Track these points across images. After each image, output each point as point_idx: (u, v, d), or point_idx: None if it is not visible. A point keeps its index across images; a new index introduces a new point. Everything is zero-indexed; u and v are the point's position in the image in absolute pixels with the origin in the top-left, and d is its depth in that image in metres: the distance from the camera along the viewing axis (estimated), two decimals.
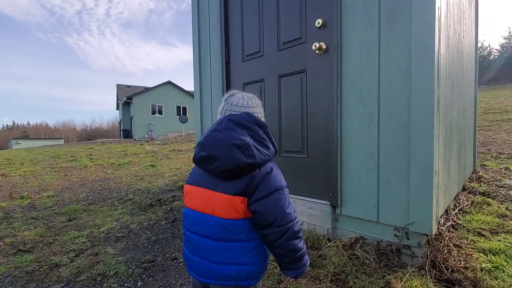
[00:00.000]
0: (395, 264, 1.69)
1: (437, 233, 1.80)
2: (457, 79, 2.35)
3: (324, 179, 2.04)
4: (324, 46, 1.94)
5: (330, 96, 1.93)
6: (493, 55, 47.68)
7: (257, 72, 2.48)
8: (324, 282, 1.58)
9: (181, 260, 1.97)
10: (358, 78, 1.80)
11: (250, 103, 0.99)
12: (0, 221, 2.93)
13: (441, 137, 1.73)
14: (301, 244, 0.90)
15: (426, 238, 1.67)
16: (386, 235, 1.77)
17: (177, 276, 1.77)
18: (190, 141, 11.66)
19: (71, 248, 2.20)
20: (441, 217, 1.99)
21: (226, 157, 0.81)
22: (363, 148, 1.80)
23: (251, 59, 2.54)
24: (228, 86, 2.72)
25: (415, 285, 1.47)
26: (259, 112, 1.01)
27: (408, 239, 1.68)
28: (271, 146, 0.91)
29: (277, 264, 1.78)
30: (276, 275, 1.68)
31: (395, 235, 1.73)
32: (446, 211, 2.21)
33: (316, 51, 1.97)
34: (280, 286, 1.60)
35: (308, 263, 0.95)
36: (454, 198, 2.54)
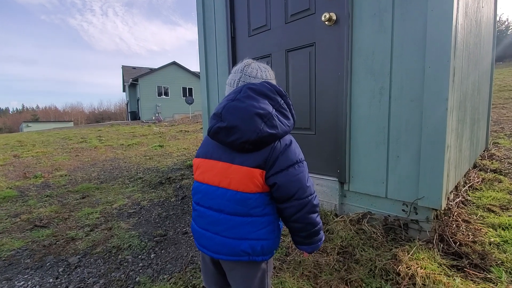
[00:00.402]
0: (402, 238, 1.70)
1: (446, 208, 1.79)
2: (474, 51, 2.24)
3: (332, 155, 2.03)
4: (334, 17, 1.86)
5: (340, 70, 1.87)
6: (511, 30, 45.25)
7: (264, 47, 2.41)
8: (331, 254, 1.61)
9: (192, 234, 2.03)
10: (370, 50, 1.73)
11: (268, 75, 0.94)
12: (16, 199, 3.04)
13: (455, 111, 1.68)
14: (318, 218, 0.88)
15: (435, 213, 1.67)
16: (394, 210, 1.78)
17: (188, 249, 1.83)
18: (197, 122, 11.67)
19: (85, 223, 2.28)
20: (450, 192, 1.97)
21: (248, 127, 0.76)
22: (373, 123, 1.77)
23: (258, 34, 2.46)
24: (234, 62, 2.66)
25: (422, 257, 1.48)
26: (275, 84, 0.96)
27: (417, 213, 1.68)
28: (291, 117, 0.87)
29: (284, 238, 1.82)
30: (284, 248, 1.72)
31: (403, 210, 1.73)
32: (456, 187, 2.19)
33: (326, 22, 1.89)
34: (288, 258, 1.64)
35: (323, 238, 0.93)
36: (465, 175, 2.51)
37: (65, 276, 1.62)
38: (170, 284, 1.48)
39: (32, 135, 10.23)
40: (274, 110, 0.82)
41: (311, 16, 2.02)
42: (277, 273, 1.51)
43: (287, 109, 0.87)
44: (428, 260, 1.48)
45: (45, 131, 12.74)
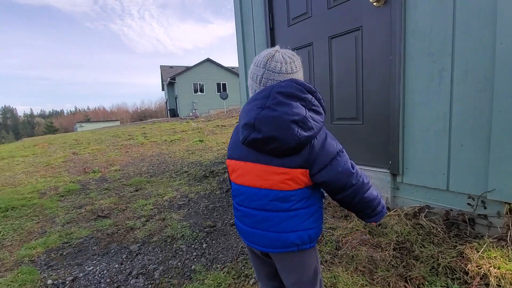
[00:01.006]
0: (468, 234, 1.56)
1: None
2: None
3: (382, 146, 1.91)
4: None
5: (391, 54, 1.74)
6: None
7: (305, 36, 2.34)
8: (387, 250, 1.54)
9: None
10: (427, 29, 1.58)
11: (294, 67, 0.87)
12: (79, 192, 3.38)
13: None
14: (374, 190, 0.90)
15: (508, 207, 1.49)
16: (457, 204, 1.63)
17: (237, 240, 1.88)
18: (232, 116, 11.87)
19: (141, 214, 2.46)
20: None
21: (286, 136, 0.75)
22: (431, 109, 1.62)
23: (298, 22, 2.38)
24: None
25: (495, 256, 1.34)
26: (301, 75, 0.90)
27: (485, 208, 1.52)
28: (322, 111, 0.84)
29: (333, 232, 1.78)
30: (334, 242, 1.68)
31: (469, 204, 1.57)
32: None
33: (374, 4, 1.76)
34: (339, 252, 1.60)
35: (384, 203, 0.95)
36: None
37: (128, 262, 1.76)
38: (223, 273, 1.53)
39: (86, 134, 11.28)
40: (307, 111, 0.79)
41: None
42: (329, 267, 1.48)
43: (319, 105, 0.83)
44: (501, 259, 1.33)
45: (97, 130, 13.97)
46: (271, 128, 0.75)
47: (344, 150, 0.86)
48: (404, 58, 1.70)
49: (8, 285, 1.61)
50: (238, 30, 3.11)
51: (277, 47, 0.88)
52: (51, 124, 67.97)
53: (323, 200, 0.95)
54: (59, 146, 7.78)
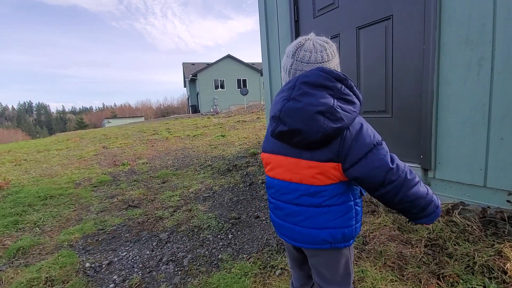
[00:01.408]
0: (506, 233, 1.47)
1: None
2: None
3: (413, 139, 1.85)
4: None
5: (425, 43, 1.67)
6: None
7: (331, 27, 2.29)
8: (417, 246, 1.49)
9: (264, 218, 2.10)
10: (465, 16, 1.49)
11: (325, 56, 0.81)
12: (110, 183, 3.57)
13: None
14: (423, 187, 0.78)
15: None
16: (495, 201, 1.54)
17: (262, 232, 1.91)
18: (252, 112, 11.91)
19: (169, 205, 2.56)
20: None
21: (311, 128, 0.72)
22: (469, 101, 1.54)
23: (324, 13, 2.34)
24: None
25: None
26: (335, 63, 0.84)
27: None
28: (356, 100, 0.78)
29: (361, 227, 1.75)
30: (361, 237, 1.66)
31: (508, 201, 1.49)
32: None
33: None
34: (366, 247, 1.57)
35: (439, 203, 0.82)
36: None
37: (158, 250, 1.85)
38: (250, 263, 1.57)
39: (113, 129, 11.82)
40: (335, 100, 0.74)
41: None
42: (356, 261, 1.46)
43: (350, 93, 0.77)
44: None
45: (123, 125, 14.58)
46: (295, 121, 0.73)
47: (383, 142, 0.78)
48: (439, 47, 1.62)
49: (49, 267, 1.74)
50: (261, 23, 3.10)
51: (310, 35, 0.83)
52: (81, 120, 71.82)
53: (362, 198, 0.88)
54: (90, 140, 8.22)
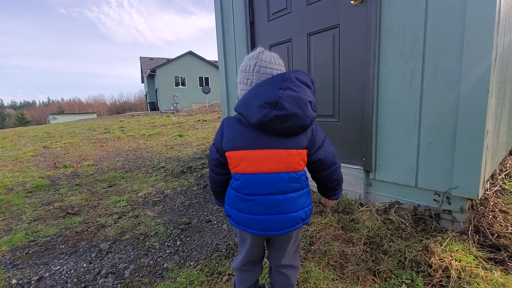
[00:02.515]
0: (433, 229, 1.63)
1: (482, 198, 1.69)
2: None
3: (357, 143, 1.95)
4: None
5: (366, 52, 1.77)
6: None
7: (284, 31, 2.32)
8: (357, 245, 1.58)
9: (215, 222, 2.05)
10: (400, 29, 1.61)
11: (281, 62, 1.01)
12: (48, 188, 3.21)
13: (494, 94, 1.54)
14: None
15: (470, 203, 1.57)
16: (425, 200, 1.70)
17: (212, 236, 1.86)
18: (214, 111, 11.73)
19: (114, 211, 2.37)
20: (487, 181, 1.85)
21: (305, 114, 0.85)
22: (403, 108, 1.67)
23: (277, 18, 2.36)
24: (253, 48, 2.59)
25: (456, 249, 1.41)
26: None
27: (450, 204, 1.60)
28: None
29: (308, 227, 1.80)
30: (308, 238, 1.70)
31: (435, 200, 1.65)
32: (492, 175, 2.05)
33: (352, 2, 1.77)
34: (312, 247, 1.62)
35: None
36: (501, 163, 2.35)
37: (97, 261, 1.69)
38: (196, 270, 1.51)
39: (59, 126, 10.73)
40: (313, 97, 0.92)
41: None
42: (302, 262, 1.49)
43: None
44: (463, 252, 1.41)
45: (71, 122, 13.32)
46: (293, 106, 0.84)
47: None
48: (379, 57, 1.73)
49: None
50: (218, 22, 3.04)
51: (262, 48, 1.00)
52: (22, 116, 64.09)
53: None
54: (30, 139, 7.35)
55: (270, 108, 0.83)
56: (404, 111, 1.66)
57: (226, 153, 0.93)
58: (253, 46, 2.61)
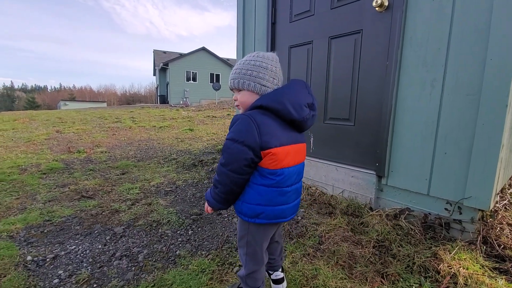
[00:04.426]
0: (442, 237, 1.65)
1: (492, 210, 1.70)
2: None
3: (371, 148, 1.98)
4: (386, 3, 1.77)
5: (388, 59, 1.79)
6: None
7: (306, 34, 2.36)
8: (367, 247, 1.61)
9: (226, 215, 2.10)
10: (424, 39, 1.64)
11: None
12: (62, 171, 3.30)
13: (511, 109, 1.56)
14: None
15: (481, 214, 1.59)
16: (436, 208, 1.72)
17: (223, 228, 1.91)
18: (223, 108, 11.79)
19: (127, 197, 2.44)
20: (496, 194, 1.86)
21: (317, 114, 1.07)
22: (421, 116, 1.69)
23: (300, 19, 2.40)
24: (272, 49, 2.63)
25: (464, 258, 1.44)
26: None
27: (461, 213, 1.62)
28: None
29: (317, 227, 1.84)
30: (317, 237, 1.74)
31: (446, 209, 1.67)
32: (502, 189, 2.06)
33: (377, 8, 1.80)
34: (321, 246, 1.65)
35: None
36: (510, 177, 2.35)
37: (112, 244, 1.76)
38: (208, 260, 1.56)
39: (70, 113, 10.91)
40: None
41: (360, 1, 1.94)
42: (311, 260, 1.53)
43: None
44: (470, 260, 1.43)
45: (82, 110, 13.52)
46: (316, 108, 1.04)
47: None
48: (400, 65, 1.75)
49: None
50: (239, 22, 3.09)
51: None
52: (33, 100, 65.14)
53: None
54: (42, 123, 7.51)
55: (309, 109, 1.00)
56: (422, 120, 1.68)
57: (270, 150, 0.91)
58: (273, 46, 2.64)
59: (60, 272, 1.50)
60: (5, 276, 1.44)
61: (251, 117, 0.91)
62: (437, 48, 1.59)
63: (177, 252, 1.65)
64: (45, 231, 1.93)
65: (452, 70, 1.55)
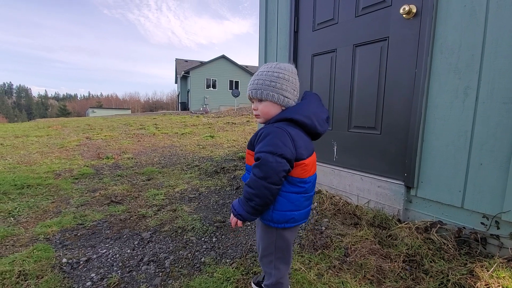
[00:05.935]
0: (478, 253, 1.56)
1: None
2: None
3: (399, 158, 1.92)
4: (414, 10, 1.73)
5: (416, 67, 1.75)
6: None
7: (329, 42, 2.35)
8: (396, 261, 1.55)
9: (249, 223, 2.11)
10: (456, 45, 1.58)
11: None
12: (93, 176, 3.47)
13: None
14: None
15: None
16: (470, 222, 1.62)
17: (246, 237, 1.91)
18: (242, 115, 11.91)
19: (153, 203, 2.52)
20: None
21: None
22: (453, 125, 1.62)
23: (323, 28, 2.40)
24: (295, 57, 2.64)
25: (503, 276, 1.34)
26: None
27: (498, 228, 1.52)
28: None
29: (342, 238, 1.79)
30: (343, 249, 1.70)
31: (482, 223, 1.57)
32: None
33: (404, 15, 1.76)
34: (347, 259, 1.61)
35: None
36: None
37: (139, 249, 1.81)
38: (232, 268, 1.57)
39: (98, 120, 11.48)
40: None
41: (386, 8, 1.91)
42: (337, 273, 1.49)
43: None
44: (510, 279, 1.33)
45: (108, 116, 14.19)
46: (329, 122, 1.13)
47: None
48: (430, 72, 1.70)
49: (23, 260, 1.67)
50: (261, 30, 3.14)
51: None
52: (64, 107, 69.24)
53: None
54: (73, 129, 7.96)
55: (327, 123, 1.09)
56: (455, 129, 1.61)
57: (303, 161, 1.00)
58: (295, 54, 2.65)
59: (93, 275, 1.56)
60: (42, 278, 1.52)
61: (286, 130, 0.96)
62: (471, 54, 1.53)
63: (202, 259, 1.67)
64: (78, 234, 2.03)
65: (487, 77, 1.48)
